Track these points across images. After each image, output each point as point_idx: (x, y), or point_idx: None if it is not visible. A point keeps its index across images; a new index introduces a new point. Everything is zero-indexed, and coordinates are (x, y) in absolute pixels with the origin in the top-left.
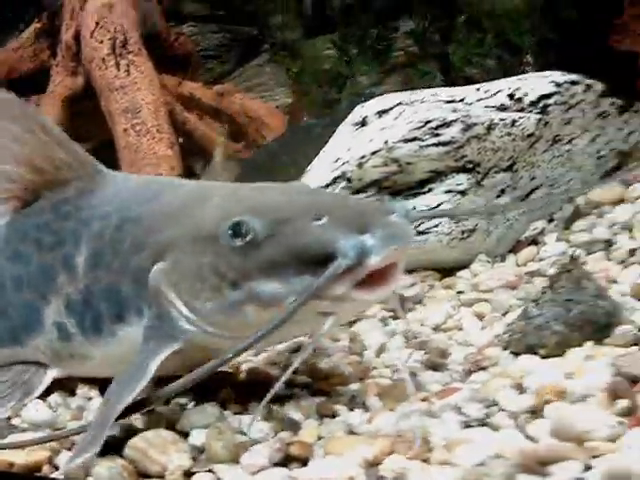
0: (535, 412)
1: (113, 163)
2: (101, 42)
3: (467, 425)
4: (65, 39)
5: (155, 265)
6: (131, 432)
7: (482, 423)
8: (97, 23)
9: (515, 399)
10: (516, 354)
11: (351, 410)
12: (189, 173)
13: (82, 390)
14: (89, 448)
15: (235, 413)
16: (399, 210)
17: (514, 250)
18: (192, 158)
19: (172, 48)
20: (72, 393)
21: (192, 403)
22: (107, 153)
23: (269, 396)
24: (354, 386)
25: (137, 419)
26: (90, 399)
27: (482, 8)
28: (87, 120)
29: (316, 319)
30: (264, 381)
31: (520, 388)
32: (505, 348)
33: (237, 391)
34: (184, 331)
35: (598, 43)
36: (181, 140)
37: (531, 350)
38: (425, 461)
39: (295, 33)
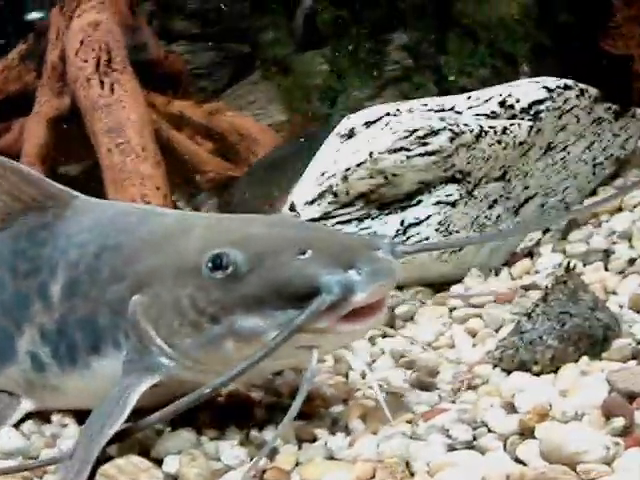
0: (525, 433)
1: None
2: (85, 61)
3: (452, 448)
4: (51, 59)
5: (134, 296)
6: (104, 459)
7: (469, 446)
8: (82, 42)
9: (504, 419)
10: (508, 371)
11: (332, 434)
12: (174, 193)
13: (57, 417)
14: None
15: (212, 439)
16: (385, 246)
17: (509, 263)
18: (178, 178)
19: (162, 67)
20: (47, 420)
21: (168, 429)
22: (97, 175)
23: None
24: (337, 408)
25: (111, 446)
26: (65, 426)
27: (476, 18)
28: (75, 142)
29: (297, 353)
30: (243, 405)
31: (510, 408)
32: (496, 365)
33: (215, 415)
34: (164, 367)
35: (592, 48)
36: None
37: (523, 367)
38: None
39: (286, 49)
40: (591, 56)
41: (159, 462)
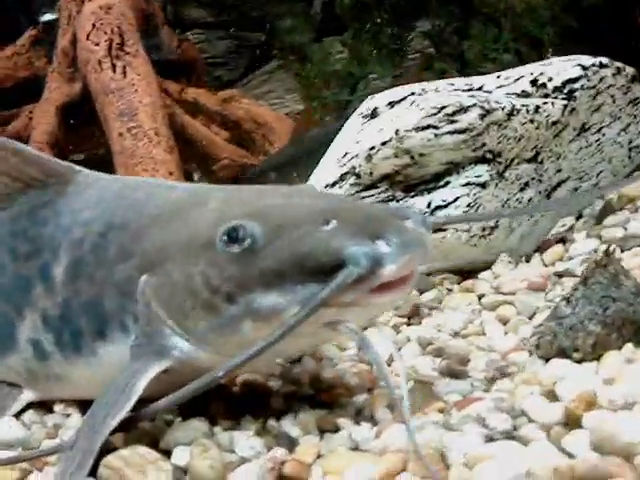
0: (570, 423)
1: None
2: (97, 44)
3: (491, 438)
4: (61, 45)
5: (143, 276)
6: (108, 449)
7: (509, 436)
8: (93, 25)
9: (546, 408)
10: (546, 359)
11: (357, 424)
12: (188, 179)
13: (60, 407)
14: (75, 477)
15: (225, 429)
16: (414, 216)
17: (540, 249)
18: (192, 164)
19: (175, 54)
20: (49, 410)
21: (179, 419)
22: (108, 163)
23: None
24: (361, 397)
25: (115, 435)
26: (68, 416)
27: (498, 7)
28: (87, 129)
29: (321, 331)
30: (260, 394)
31: (552, 396)
32: (532, 353)
33: (229, 405)
34: (176, 351)
35: (623, 29)
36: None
37: (563, 354)
38: None
39: (303, 36)
40: (622, 38)
41: (168, 453)
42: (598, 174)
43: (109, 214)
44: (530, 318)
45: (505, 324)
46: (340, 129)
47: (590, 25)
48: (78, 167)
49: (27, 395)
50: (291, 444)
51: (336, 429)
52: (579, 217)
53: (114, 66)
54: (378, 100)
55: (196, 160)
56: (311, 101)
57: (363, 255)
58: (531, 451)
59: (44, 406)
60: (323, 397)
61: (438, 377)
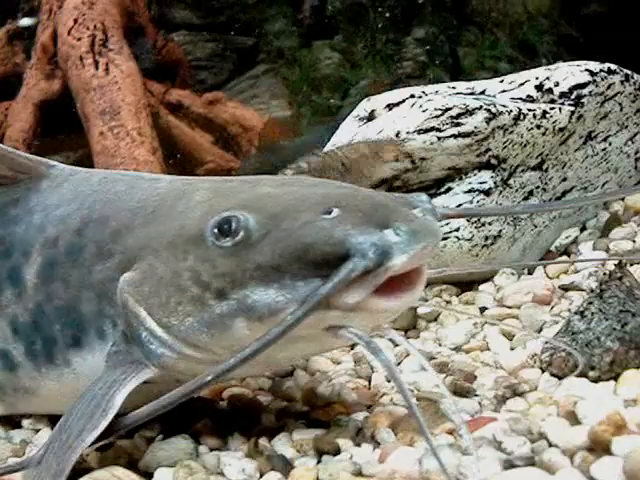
0: (596, 448)
1: None
2: (79, 39)
3: (510, 464)
4: (41, 40)
5: (123, 275)
6: (81, 470)
7: (529, 462)
8: (75, 20)
9: (568, 431)
10: (559, 377)
11: (357, 445)
12: None
13: (28, 421)
14: None
15: (212, 449)
16: (422, 204)
17: (544, 259)
18: (177, 166)
19: (160, 55)
20: (16, 425)
21: (160, 436)
22: (88, 164)
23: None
24: (360, 415)
25: (89, 454)
26: (37, 431)
27: (492, 15)
28: (67, 128)
29: (322, 336)
30: (249, 410)
31: (572, 418)
32: (545, 370)
33: (215, 421)
34: (157, 356)
35: (626, 38)
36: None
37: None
38: None
39: (292, 40)
40: (625, 47)
41: (148, 475)
42: (603, 184)
43: (86, 209)
44: (537, 332)
45: (511, 339)
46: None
47: (590, 34)
48: (52, 162)
49: None
50: (286, 467)
51: (335, 451)
52: (583, 229)
53: (96, 63)
54: (375, 102)
55: (180, 163)
56: (299, 107)
57: (370, 245)
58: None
59: (10, 421)
60: (319, 414)
61: (443, 395)
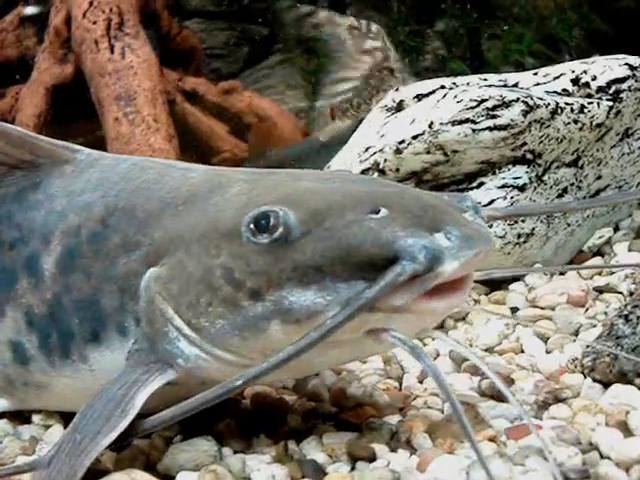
0: None
1: None
2: (94, 23)
3: (566, 478)
4: (54, 23)
5: (149, 270)
6: (96, 472)
7: (584, 475)
8: (91, 3)
9: (622, 443)
10: (604, 384)
11: (393, 451)
12: None
13: (39, 416)
14: None
15: (236, 451)
16: (471, 207)
17: (575, 261)
18: (192, 156)
19: (174, 42)
20: (26, 420)
21: (179, 436)
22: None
23: None
24: (393, 418)
25: (104, 454)
26: (48, 427)
27: (514, 9)
28: (78, 114)
29: (362, 341)
30: (274, 410)
31: (624, 428)
32: (587, 375)
33: (239, 423)
34: (184, 357)
35: None
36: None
37: (624, 378)
38: None
39: (309, 30)
40: None
41: (169, 479)
42: (638, 184)
43: (113, 197)
44: (574, 335)
45: (546, 341)
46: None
47: (621, 28)
48: (78, 146)
49: (1, 404)
50: (318, 473)
51: (371, 456)
52: (616, 229)
53: (112, 47)
54: (404, 92)
55: (195, 151)
56: (315, 98)
57: (420, 249)
58: None
59: (19, 416)
60: (349, 416)
61: (479, 399)
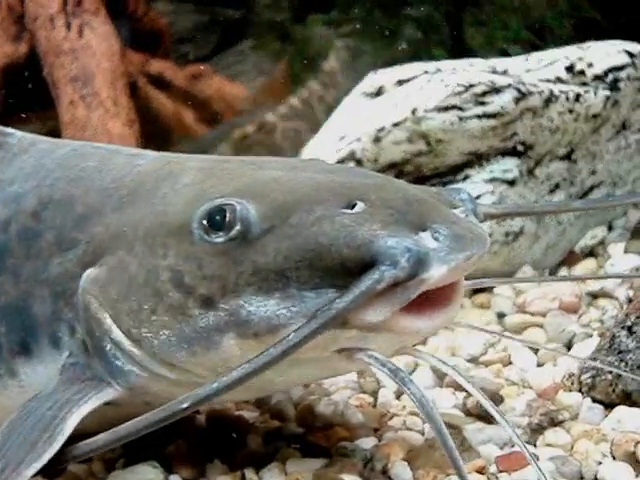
0: None
1: None
2: None
3: None
4: None
5: (87, 270)
6: None
7: None
8: None
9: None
10: (606, 404)
11: None
12: None
13: None
14: None
15: (185, 479)
16: (464, 203)
17: (565, 262)
18: (155, 143)
19: (140, 23)
20: None
21: (122, 460)
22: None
23: None
24: (367, 442)
25: None
26: None
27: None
28: (35, 97)
29: (332, 360)
30: (233, 429)
31: (633, 460)
32: (586, 394)
33: (191, 444)
34: (122, 374)
35: None
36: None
37: (628, 400)
38: None
39: (284, 14)
40: None
41: None
42: (634, 181)
43: (47, 188)
44: (568, 348)
45: (536, 352)
46: None
47: (616, 18)
48: (9, 129)
49: None
50: None
51: None
52: (610, 228)
53: (69, 24)
54: (383, 77)
55: (159, 139)
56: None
57: (403, 251)
58: None
59: None
60: (317, 439)
61: (464, 419)
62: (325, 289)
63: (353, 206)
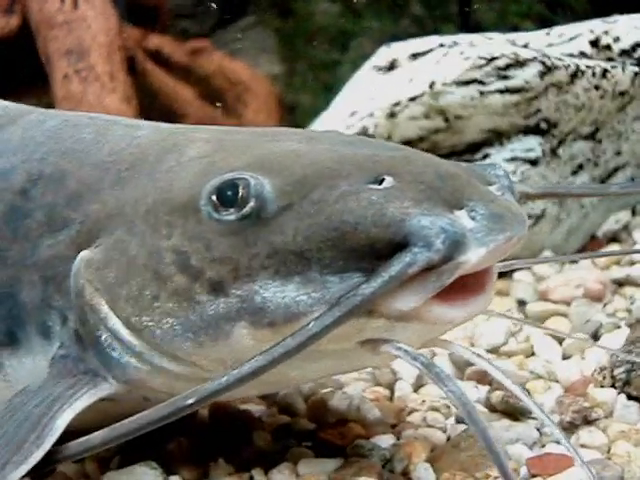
0: None
1: None
2: None
3: None
4: None
5: (81, 252)
6: None
7: None
8: None
9: None
10: None
11: None
12: None
13: None
14: None
15: None
16: (500, 180)
17: (587, 248)
18: (153, 119)
19: None
20: None
21: (117, 459)
22: None
23: None
24: (385, 439)
25: None
26: None
27: None
28: (29, 71)
29: (355, 352)
30: (238, 426)
31: None
32: (620, 391)
33: (193, 442)
34: (120, 366)
35: None
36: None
37: None
38: None
39: None
40: None
41: None
42: None
43: (37, 162)
44: (595, 338)
45: (561, 342)
46: None
47: None
48: None
49: None
50: None
51: None
52: (634, 213)
53: None
54: (397, 50)
55: (158, 115)
56: (290, 62)
57: (438, 231)
58: None
59: None
60: (331, 436)
61: (489, 415)
62: (350, 273)
63: (381, 181)
